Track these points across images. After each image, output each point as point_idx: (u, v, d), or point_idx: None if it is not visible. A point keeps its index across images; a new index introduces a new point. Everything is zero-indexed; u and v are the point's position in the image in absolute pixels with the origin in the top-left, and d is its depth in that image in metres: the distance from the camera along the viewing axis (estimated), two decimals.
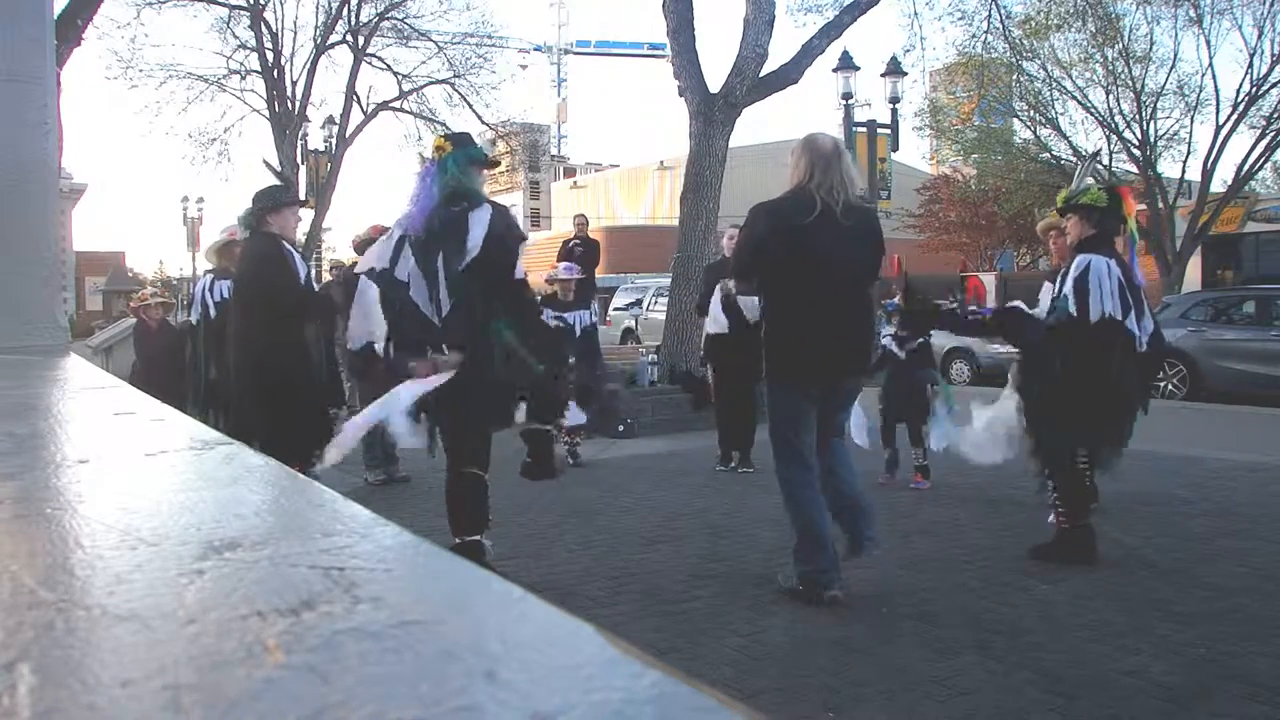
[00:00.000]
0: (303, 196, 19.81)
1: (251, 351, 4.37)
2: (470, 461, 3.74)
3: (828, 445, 3.78)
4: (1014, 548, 4.41)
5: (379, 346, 3.69)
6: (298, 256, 4.49)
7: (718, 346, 6.58)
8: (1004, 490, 5.57)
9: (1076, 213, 4.32)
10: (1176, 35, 18.69)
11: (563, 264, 7.66)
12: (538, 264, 21.66)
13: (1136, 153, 18.77)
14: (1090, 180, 4.62)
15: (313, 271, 4.85)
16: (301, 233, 21.21)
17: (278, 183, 4.97)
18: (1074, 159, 18.57)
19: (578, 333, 6.68)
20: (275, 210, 4.52)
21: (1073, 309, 4.08)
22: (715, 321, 6.58)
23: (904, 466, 5.93)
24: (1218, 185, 18.80)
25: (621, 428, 8.20)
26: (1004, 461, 4.64)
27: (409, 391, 3.46)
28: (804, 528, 3.65)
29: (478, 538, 3.78)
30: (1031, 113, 20.23)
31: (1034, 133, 20.70)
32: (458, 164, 3.64)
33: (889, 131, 14.07)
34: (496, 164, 4.00)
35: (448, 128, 18.34)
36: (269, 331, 4.30)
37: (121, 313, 14.20)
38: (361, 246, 6.77)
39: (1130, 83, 18.61)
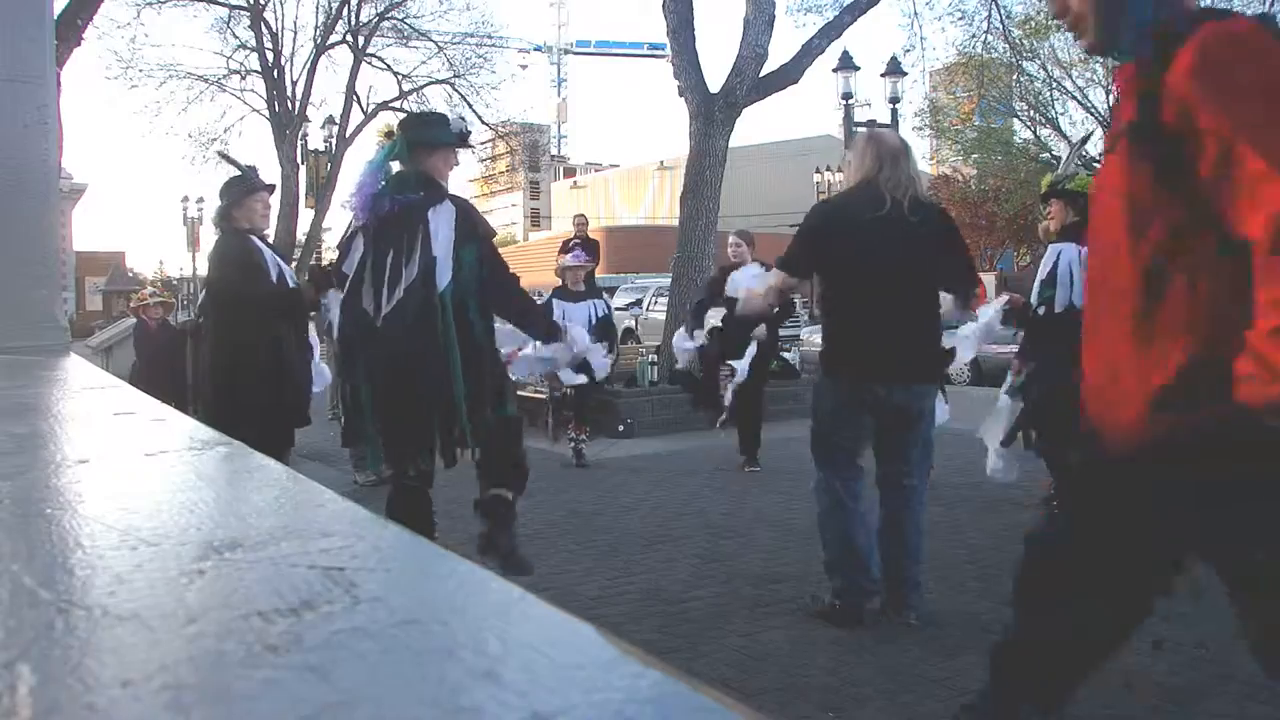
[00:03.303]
0: (302, 196, 19.87)
1: (223, 355, 4.26)
2: (494, 478, 3.41)
3: (897, 486, 3.47)
4: (1013, 548, 4.38)
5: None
6: (268, 252, 4.32)
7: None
8: (1004, 490, 5.56)
9: (1062, 198, 4.27)
10: None
11: (570, 252, 7.53)
12: (538, 264, 21.68)
13: None
14: (1076, 167, 4.58)
15: (288, 267, 4.61)
16: (301, 233, 21.31)
17: (236, 174, 4.72)
18: None
19: (593, 322, 6.56)
20: (238, 204, 4.35)
21: (1034, 300, 4.08)
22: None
23: None
24: None
25: (621, 428, 8.21)
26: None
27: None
28: (834, 540, 3.45)
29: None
30: (1031, 113, 20.27)
31: (1034, 133, 20.75)
32: (394, 151, 3.37)
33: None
34: (463, 141, 3.62)
35: None
36: (240, 335, 4.18)
37: (121, 313, 14.21)
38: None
39: None
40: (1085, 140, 5.94)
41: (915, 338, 3.38)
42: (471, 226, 3.32)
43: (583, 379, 6.20)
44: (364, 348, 3.31)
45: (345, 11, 20.12)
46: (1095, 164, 5.66)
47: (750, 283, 5.11)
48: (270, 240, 4.84)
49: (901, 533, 3.45)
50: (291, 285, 4.41)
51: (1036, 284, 4.14)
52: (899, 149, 3.43)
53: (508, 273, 3.48)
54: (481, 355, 3.31)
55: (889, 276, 3.31)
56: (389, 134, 3.43)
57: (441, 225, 3.24)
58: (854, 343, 3.40)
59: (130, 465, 1.01)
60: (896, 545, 3.46)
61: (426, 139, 3.41)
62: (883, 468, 3.52)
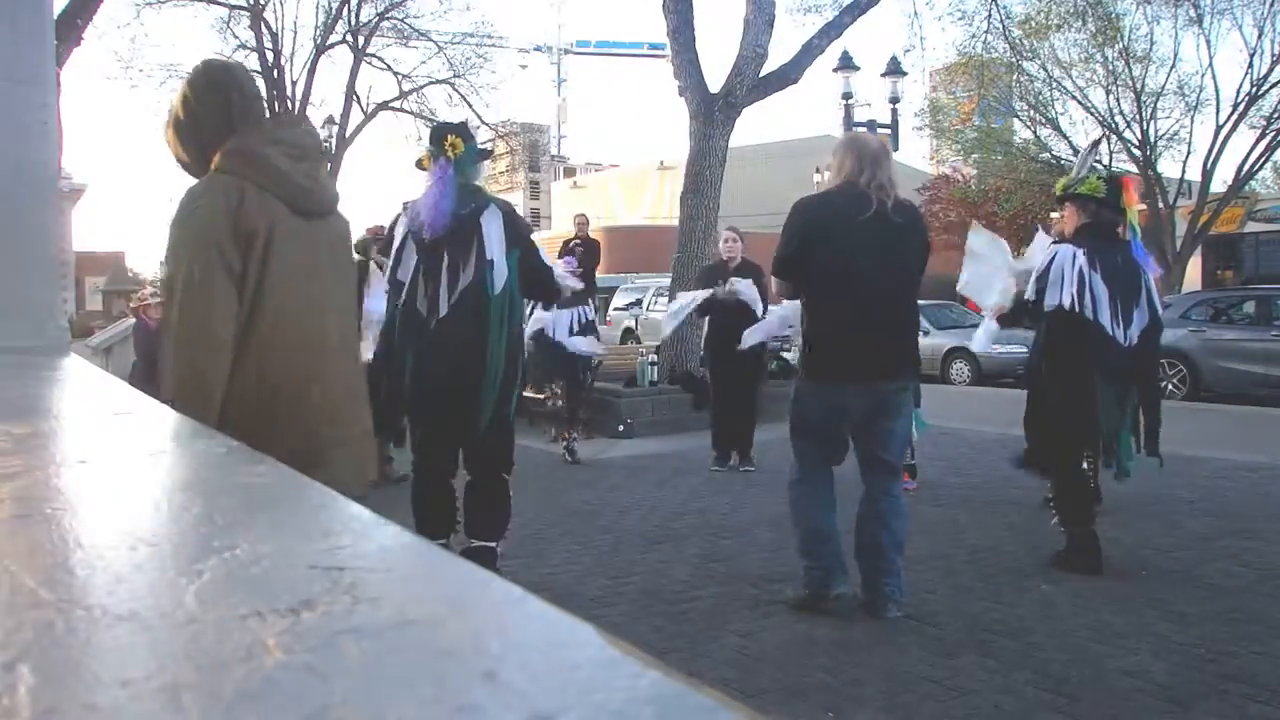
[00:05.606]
0: None
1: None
2: (499, 465, 3.74)
3: (876, 475, 3.52)
4: (1013, 548, 4.41)
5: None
6: None
7: (717, 346, 6.58)
8: (1002, 490, 5.57)
9: (1073, 202, 4.27)
10: (1176, 35, 18.73)
11: (560, 260, 7.68)
12: None
13: (1136, 153, 18.77)
14: (1098, 167, 4.61)
15: None
16: None
17: None
18: (1074, 159, 18.55)
19: (573, 330, 6.86)
20: None
21: (1030, 295, 4.10)
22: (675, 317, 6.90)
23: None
24: (1218, 185, 18.80)
25: (621, 428, 8.20)
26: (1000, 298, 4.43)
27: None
28: (804, 525, 3.55)
29: (493, 545, 3.76)
30: (1031, 113, 20.23)
31: (1034, 133, 20.71)
32: (470, 162, 3.63)
33: (889, 131, 14.07)
34: (490, 154, 4.14)
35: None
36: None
37: (121, 313, 14.18)
38: (357, 248, 6.76)
39: (1130, 83, 18.62)
40: (1096, 144, 5.95)
41: (898, 336, 3.49)
42: (516, 230, 3.67)
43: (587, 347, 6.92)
44: (414, 345, 3.56)
45: (345, 11, 20.13)
46: (1106, 170, 5.67)
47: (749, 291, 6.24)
48: None
49: (883, 517, 3.47)
50: None
51: (1033, 278, 4.15)
52: (879, 151, 3.53)
53: (546, 266, 3.94)
54: (517, 350, 3.69)
55: (876, 277, 3.38)
56: (454, 146, 3.58)
57: (493, 230, 3.55)
58: (840, 346, 3.44)
59: (130, 465, 1.01)
60: (877, 529, 3.47)
61: (479, 149, 3.83)
62: (863, 452, 3.55)
